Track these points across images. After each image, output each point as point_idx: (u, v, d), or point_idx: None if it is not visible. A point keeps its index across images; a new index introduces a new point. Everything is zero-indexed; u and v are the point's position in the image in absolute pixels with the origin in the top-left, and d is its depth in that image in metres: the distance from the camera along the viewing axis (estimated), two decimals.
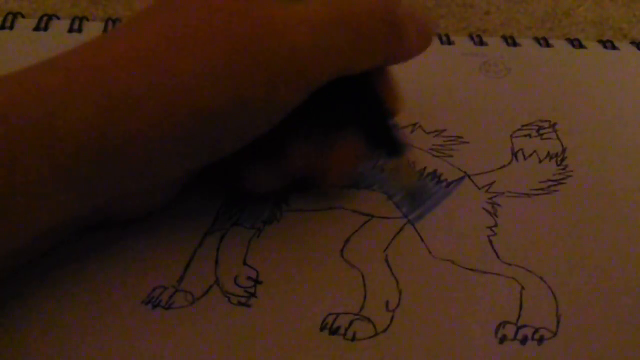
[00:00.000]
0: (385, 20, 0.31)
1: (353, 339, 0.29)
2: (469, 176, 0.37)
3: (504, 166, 0.38)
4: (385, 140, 0.33)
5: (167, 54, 0.26)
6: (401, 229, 0.34)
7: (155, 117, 0.26)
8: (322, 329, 0.30)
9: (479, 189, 0.37)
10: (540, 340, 0.30)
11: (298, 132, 0.32)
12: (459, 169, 0.38)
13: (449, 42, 0.49)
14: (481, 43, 0.49)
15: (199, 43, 0.27)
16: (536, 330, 0.30)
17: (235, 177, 0.33)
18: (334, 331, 0.30)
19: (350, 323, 0.30)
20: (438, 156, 0.38)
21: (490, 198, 0.36)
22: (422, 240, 0.34)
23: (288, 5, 0.28)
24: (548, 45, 0.49)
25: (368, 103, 0.32)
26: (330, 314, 0.30)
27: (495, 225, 0.35)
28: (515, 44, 0.49)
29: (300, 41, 0.28)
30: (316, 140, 0.33)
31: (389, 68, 0.34)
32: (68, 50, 0.27)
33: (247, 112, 0.28)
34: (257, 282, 0.31)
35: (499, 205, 0.36)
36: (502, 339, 0.30)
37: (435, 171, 0.37)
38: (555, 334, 0.30)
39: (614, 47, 0.50)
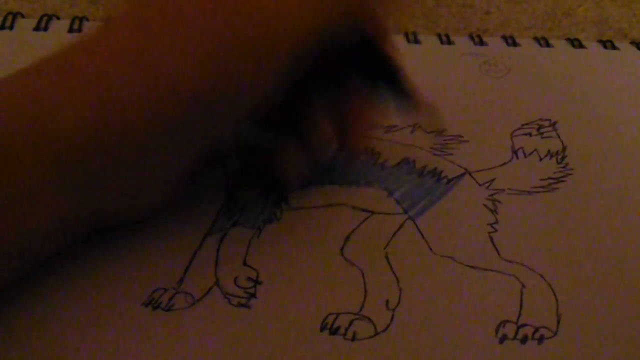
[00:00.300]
0: None
1: (353, 339, 0.29)
2: (469, 173, 0.37)
3: (504, 164, 0.38)
4: (402, 91, 0.34)
5: (151, 49, 0.27)
6: (401, 226, 0.34)
7: (148, 111, 0.26)
8: (322, 329, 0.30)
9: (480, 185, 0.37)
10: (540, 339, 0.30)
11: (311, 105, 0.33)
12: (459, 166, 0.38)
13: (449, 42, 0.49)
14: (481, 43, 0.49)
15: (179, 32, 0.27)
16: (536, 330, 0.30)
17: (271, 175, 0.34)
18: (334, 331, 0.29)
19: (351, 323, 0.30)
20: (438, 154, 0.38)
21: (491, 195, 0.36)
22: (422, 236, 0.34)
23: None
24: (548, 45, 0.49)
25: (380, 62, 0.33)
26: (330, 314, 0.30)
27: (496, 222, 0.35)
28: (515, 44, 0.49)
29: (272, 7, 0.28)
30: (329, 109, 0.34)
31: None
32: (58, 50, 0.27)
33: (238, 90, 0.28)
34: (257, 282, 0.31)
35: (499, 202, 0.36)
36: (503, 339, 0.30)
37: (435, 169, 0.37)
38: (555, 333, 0.30)
39: (614, 47, 0.50)
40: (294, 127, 0.33)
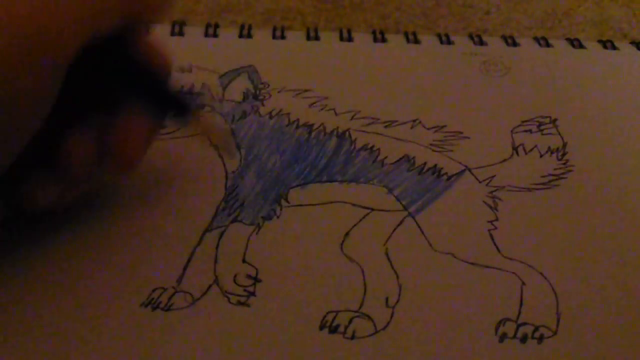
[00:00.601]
0: None
1: (353, 337, 0.29)
2: (469, 170, 0.37)
3: (504, 160, 0.38)
4: (167, 102, 0.30)
5: None
6: (401, 222, 0.34)
7: None
8: (321, 327, 0.29)
9: (480, 182, 0.36)
10: (540, 339, 0.30)
11: (69, 124, 0.28)
12: (459, 162, 0.37)
13: (449, 42, 0.49)
14: (481, 43, 0.49)
15: None
16: (536, 329, 0.30)
17: (14, 195, 0.29)
18: (333, 330, 0.29)
19: (350, 321, 0.30)
20: (438, 151, 0.38)
21: (491, 192, 0.36)
22: (422, 233, 0.33)
23: None
24: (548, 45, 0.49)
25: (131, 70, 0.29)
26: (329, 312, 0.30)
27: (496, 219, 0.34)
28: (515, 44, 0.49)
29: (21, 15, 0.23)
30: (93, 128, 0.29)
31: (144, 31, 0.30)
32: None
33: None
34: (256, 280, 0.31)
35: (499, 199, 0.36)
36: (502, 337, 0.29)
37: (435, 165, 0.37)
38: (555, 332, 0.30)
39: (614, 47, 0.50)
40: (43, 153, 0.28)
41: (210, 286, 0.31)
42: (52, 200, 0.29)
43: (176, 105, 0.30)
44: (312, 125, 0.39)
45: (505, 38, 0.50)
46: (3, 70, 0.23)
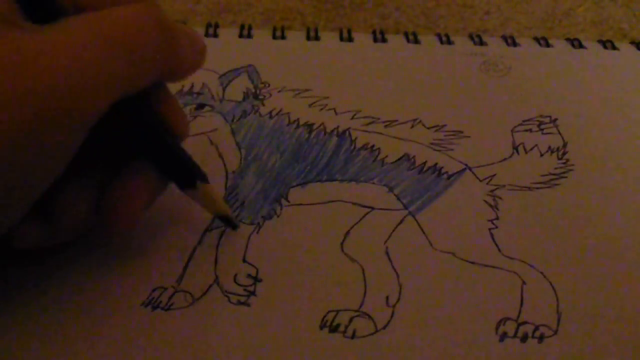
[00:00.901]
0: (157, 29, 0.26)
1: (353, 336, 0.29)
2: (470, 169, 0.37)
3: (505, 159, 0.38)
4: (176, 167, 0.30)
5: None
6: (402, 221, 0.34)
7: None
8: (321, 327, 0.29)
9: (480, 181, 0.36)
10: (541, 338, 0.29)
11: (68, 177, 0.26)
12: (459, 161, 0.37)
13: (449, 42, 0.49)
14: (481, 43, 0.49)
15: None
16: (537, 328, 0.30)
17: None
18: (333, 329, 0.29)
19: (350, 320, 0.30)
20: (438, 150, 0.38)
21: (492, 191, 0.36)
22: (423, 232, 0.33)
23: (36, 33, 0.23)
24: (548, 45, 0.49)
25: (149, 128, 0.28)
26: (330, 311, 0.30)
27: (497, 218, 0.34)
28: (515, 44, 0.49)
29: (59, 73, 0.23)
30: (93, 182, 0.28)
31: (169, 90, 0.30)
32: None
33: (12, 171, 0.23)
34: (256, 280, 0.31)
35: (500, 198, 0.36)
36: (503, 337, 0.29)
37: (435, 164, 0.37)
38: (555, 332, 0.30)
39: (614, 48, 0.50)
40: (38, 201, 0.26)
41: (210, 286, 0.31)
42: (41, 242, 0.28)
43: (184, 172, 0.30)
44: (312, 124, 0.39)
45: (505, 38, 0.50)
46: (34, 128, 0.22)
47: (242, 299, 0.30)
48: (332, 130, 0.39)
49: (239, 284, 0.31)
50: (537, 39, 0.50)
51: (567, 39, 0.50)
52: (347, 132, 0.39)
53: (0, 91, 0.22)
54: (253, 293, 0.30)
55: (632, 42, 0.51)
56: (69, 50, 0.23)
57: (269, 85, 0.42)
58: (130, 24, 0.25)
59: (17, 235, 0.27)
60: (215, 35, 0.47)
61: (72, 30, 0.24)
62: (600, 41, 0.50)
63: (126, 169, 0.29)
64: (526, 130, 0.40)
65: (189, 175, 0.30)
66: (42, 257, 0.31)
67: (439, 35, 0.49)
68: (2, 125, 0.22)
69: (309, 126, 0.39)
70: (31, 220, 0.27)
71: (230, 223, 0.33)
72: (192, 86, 0.41)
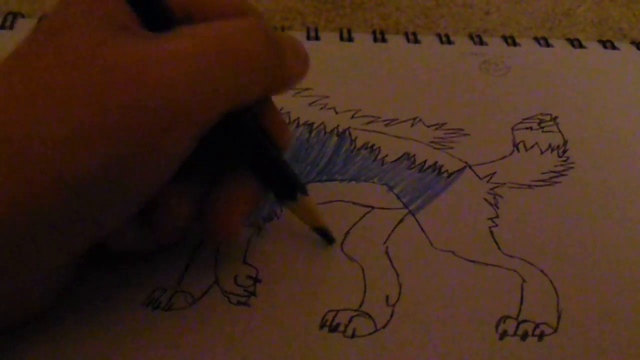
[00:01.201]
0: (265, 43, 0.27)
1: (353, 335, 0.29)
2: (470, 167, 0.37)
3: (505, 157, 0.38)
4: (278, 179, 0.30)
5: (21, 120, 0.22)
6: (401, 220, 0.34)
7: (16, 196, 0.22)
8: (321, 326, 0.29)
9: (480, 179, 0.36)
10: (541, 336, 0.29)
11: (174, 181, 0.27)
12: (459, 159, 0.37)
13: (449, 42, 0.49)
14: (481, 43, 0.49)
15: (54, 101, 0.22)
16: (537, 326, 0.30)
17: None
18: (333, 329, 0.29)
19: (350, 319, 0.29)
20: (439, 148, 0.38)
21: (492, 189, 0.36)
22: (422, 230, 0.33)
23: (153, 41, 0.24)
24: (548, 45, 0.49)
25: (254, 139, 0.29)
26: (329, 310, 0.30)
27: (497, 217, 0.34)
28: (515, 44, 0.49)
29: (177, 82, 0.23)
30: (194, 190, 0.29)
31: (273, 101, 0.30)
32: None
33: (126, 175, 0.23)
34: (256, 280, 0.31)
35: (500, 196, 0.36)
36: (503, 335, 0.29)
37: (435, 163, 0.37)
38: (555, 330, 0.30)
39: (614, 47, 0.50)
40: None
41: (210, 286, 0.31)
42: (137, 246, 0.29)
43: (286, 184, 0.30)
44: (313, 124, 0.39)
45: (505, 38, 0.50)
46: (149, 135, 0.23)
47: (242, 299, 0.30)
48: (332, 130, 0.39)
49: (238, 285, 0.31)
50: (537, 39, 0.50)
51: (567, 39, 0.50)
52: (347, 132, 0.39)
53: (120, 98, 0.22)
54: (253, 293, 0.30)
55: (632, 42, 0.51)
56: (185, 60, 0.24)
57: None
58: (241, 37, 0.26)
59: (115, 238, 0.27)
60: None
61: (187, 41, 0.24)
62: (600, 41, 0.50)
63: (228, 178, 0.29)
64: (527, 129, 0.40)
65: (290, 187, 0.30)
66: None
67: (439, 35, 0.49)
68: (121, 132, 0.22)
69: (309, 125, 0.39)
70: (130, 224, 0.27)
71: (327, 237, 0.32)
72: None
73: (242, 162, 0.29)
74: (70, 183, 0.22)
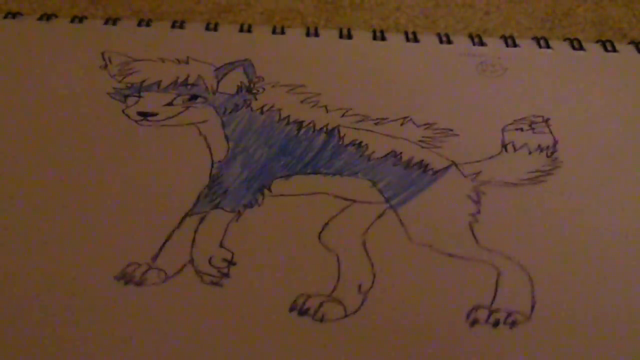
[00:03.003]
0: None
1: (322, 320, 0.29)
2: (456, 165, 0.37)
3: (492, 157, 0.38)
4: None
5: None
6: (382, 214, 0.34)
7: None
8: (291, 309, 0.30)
9: (465, 177, 0.36)
10: (513, 324, 0.30)
11: None
12: (446, 158, 0.37)
13: (449, 42, 0.49)
14: (481, 43, 0.49)
15: None
16: (509, 315, 0.30)
17: None
18: (303, 312, 0.30)
19: (321, 304, 0.30)
20: (426, 147, 0.38)
21: (476, 186, 0.36)
22: (402, 224, 0.34)
23: None
24: (548, 45, 0.49)
25: None
26: (301, 294, 0.30)
27: (478, 213, 0.34)
28: (515, 44, 0.49)
29: None
30: None
31: None
32: None
33: None
34: (231, 263, 0.31)
35: (483, 193, 0.36)
36: (473, 323, 0.30)
37: (422, 161, 0.37)
38: (529, 318, 0.30)
39: (613, 48, 0.49)
40: None
41: (184, 265, 0.31)
42: None
43: None
44: (302, 122, 0.40)
45: (505, 38, 0.49)
46: None
47: (215, 280, 0.31)
48: (321, 128, 0.39)
49: (213, 266, 0.31)
50: (536, 39, 0.50)
51: (567, 40, 0.50)
52: (336, 130, 0.39)
53: None
54: (227, 275, 0.31)
55: (632, 43, 0.50)
56: None
57: (264, 79, 0.42)
58: None
59: None
60: (215, 30, 0.47)
61: None
62: (599, 41, 0.50)
63: None
64: (517, 129, 0.40)
65: None
66: None
67: (438, 35, 0.49)
68: None
69: (299, 123, 0.39)
70: None
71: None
72: (188, 77, 0.41)
73: None
74: None
